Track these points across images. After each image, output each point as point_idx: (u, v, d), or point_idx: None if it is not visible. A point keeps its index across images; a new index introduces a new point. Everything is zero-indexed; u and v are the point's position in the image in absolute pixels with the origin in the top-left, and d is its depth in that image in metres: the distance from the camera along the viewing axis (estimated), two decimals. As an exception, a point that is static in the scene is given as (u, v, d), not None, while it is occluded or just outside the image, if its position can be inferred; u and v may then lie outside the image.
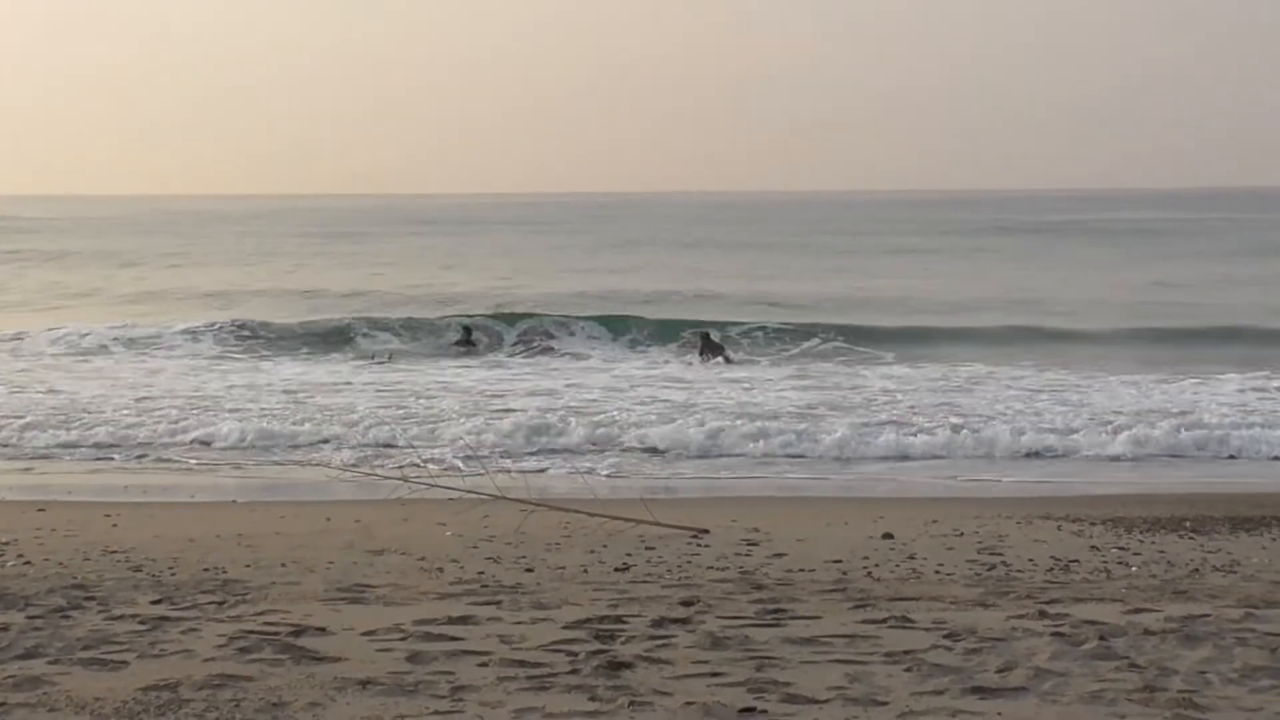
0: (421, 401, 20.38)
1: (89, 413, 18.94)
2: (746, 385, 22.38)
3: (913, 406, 19.59)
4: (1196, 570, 9.66)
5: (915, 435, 17.41)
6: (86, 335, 29.46)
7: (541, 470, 15.62)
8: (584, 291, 39.10)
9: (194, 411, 19.06)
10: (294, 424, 18.19)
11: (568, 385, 22.55)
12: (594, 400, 20.63)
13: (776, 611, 7.95)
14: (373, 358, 27.62)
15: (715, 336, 28.28)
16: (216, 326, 30.65)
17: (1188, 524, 11.76)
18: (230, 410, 19.21)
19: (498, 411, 19.19)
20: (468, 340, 29.62)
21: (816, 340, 29.55)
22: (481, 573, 9.39)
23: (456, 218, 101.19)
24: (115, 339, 29.32)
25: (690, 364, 26.49)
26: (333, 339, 30.22)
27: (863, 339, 29.67)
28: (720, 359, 26.69)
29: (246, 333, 30.37)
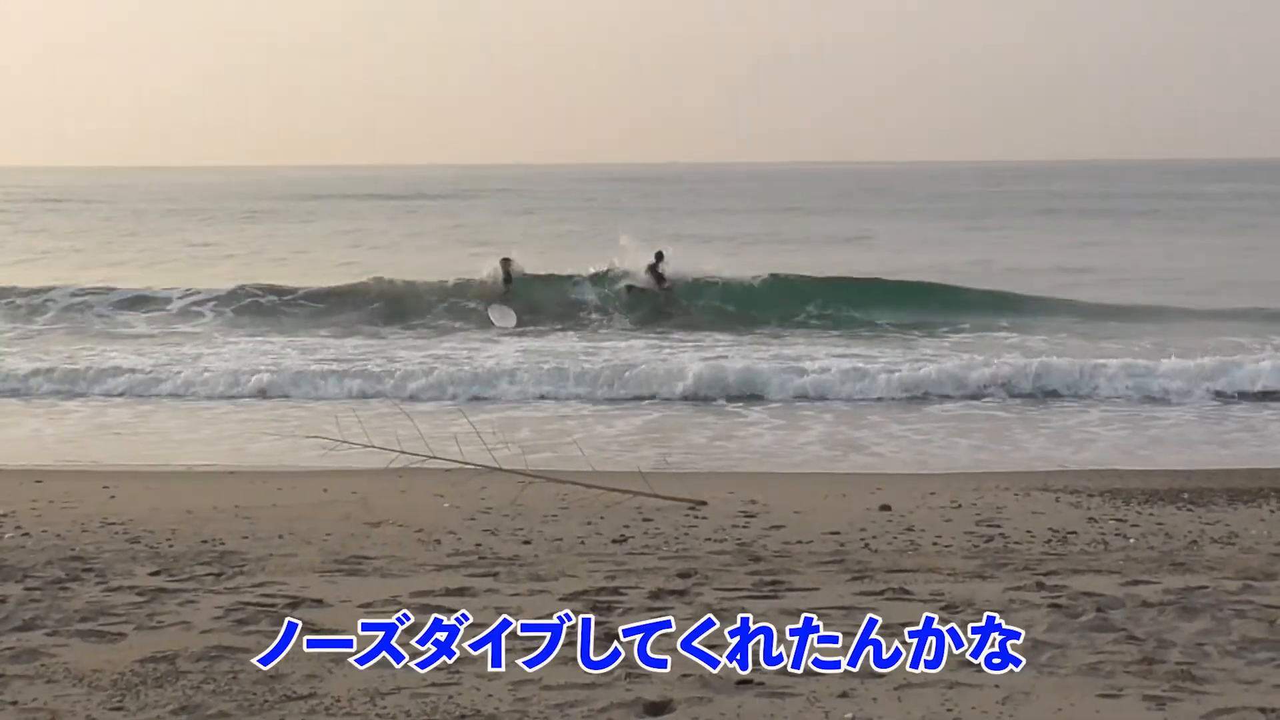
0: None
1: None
2: None
3: None
4: (1194, 542, 9.66)
5: None
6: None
7: (539, 443, 15.62)
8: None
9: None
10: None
11: None
12: None
13: (774, 583, 7.95)
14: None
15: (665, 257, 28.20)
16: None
17: (1186, 496, 11.75)
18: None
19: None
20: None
21: None
22: (479, 544, 9.39)
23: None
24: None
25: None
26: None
27: None
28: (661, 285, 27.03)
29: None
